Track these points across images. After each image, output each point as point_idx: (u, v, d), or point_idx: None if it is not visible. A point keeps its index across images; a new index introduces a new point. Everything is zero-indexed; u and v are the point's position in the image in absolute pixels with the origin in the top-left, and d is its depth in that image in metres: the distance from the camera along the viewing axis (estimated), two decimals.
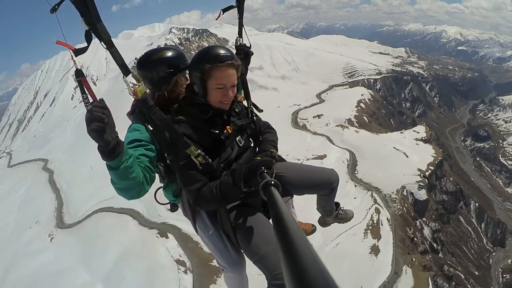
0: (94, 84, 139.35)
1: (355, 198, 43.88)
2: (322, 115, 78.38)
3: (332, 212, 3.67)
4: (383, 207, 41.99)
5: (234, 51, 2.95)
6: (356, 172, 51.14)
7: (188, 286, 33.66)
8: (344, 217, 3.83)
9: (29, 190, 61.90)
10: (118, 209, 43.63)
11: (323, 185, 3.04)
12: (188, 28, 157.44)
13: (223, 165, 2.58)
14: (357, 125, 73.50)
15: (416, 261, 36.54)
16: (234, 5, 3.10)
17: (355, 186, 47.05)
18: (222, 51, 2.43)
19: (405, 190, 45.43)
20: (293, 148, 58.17)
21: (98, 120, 1.84)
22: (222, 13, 3.18)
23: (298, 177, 2.97)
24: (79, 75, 1.85)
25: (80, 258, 37.98)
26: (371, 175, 48.68)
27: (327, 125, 73.08)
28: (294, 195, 3.39)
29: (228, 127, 2.62)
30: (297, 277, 0.66)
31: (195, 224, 2.82)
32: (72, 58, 1.88)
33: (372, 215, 40.32)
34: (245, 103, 3.08)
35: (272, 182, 1.74)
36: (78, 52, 1.92)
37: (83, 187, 52.37)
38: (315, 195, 3.34)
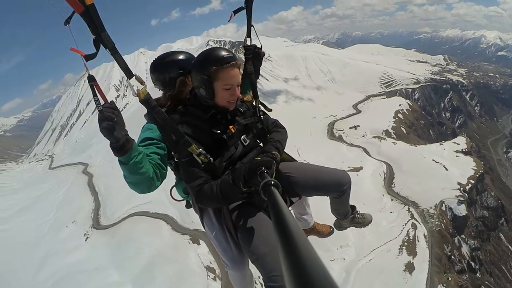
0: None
1: (391, 212, 42.73)
2: (358, 126, 77.30)
3: (347, 216, 3.57)
4: (420, 223, 40.43)
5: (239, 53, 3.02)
6: (393, 185, 49.74)
7: None
8: (361, 221, 3.72)
9: (68, 191, 64.90)
10: (152, 213, 44.68)
11: (332, 187, 3.00)
12: (225, 41, 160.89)
13: (226, 164, 2.63)
14: (395, 137, 71.75)
15: (452, 280, 34.74)
16: (243, 6, 3.14)
17: (392, 200, 45.74)
18: (225, 53, 2.52)
19: (443, 205, 43.46)
20: (328, 159, 57.86)
21: (108, 119, 2.05)
22: (233, 14, 3.19)
23: (306, 178, 2.95)
24: (91, 80, 2.09)
25: (112, 259, 39.32)
26: (408, 189, 47.14)
27: (363, 136, 71.90)
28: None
29: (231, 126, 2.68)
30: (297, 277, 0.65)
31: (202, 220, 2.92)
32: (85, 65, 2.05)
33: (408, 231, 38.91)
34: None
35: (272, 182, 1.74)
36: (89, 57, 2.06)
37: (120, 191, 53.85)
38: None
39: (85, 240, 45.58)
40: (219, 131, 2.61)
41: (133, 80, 2.26)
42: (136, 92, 2.30)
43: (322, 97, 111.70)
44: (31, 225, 56.68)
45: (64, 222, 51.37)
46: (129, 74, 2.26)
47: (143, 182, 2.37)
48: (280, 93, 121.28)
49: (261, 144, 2.99)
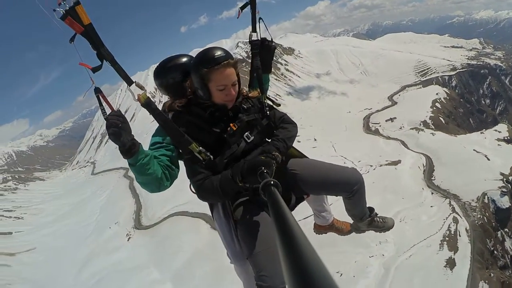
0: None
1: (431, 206, 41.37)
2: (395, 118, 75.90)
3: (363, 218, 3.46)
4: (461, 217, 38.87)
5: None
6: (433, 178, 48.22)
7: None
8: (381, 225, 3.60)
9: (111, 195, 67.91)
10: (192, 213, 45.49)
11: (340, 186, 2.94)
12: None
13: (227, 161, 2.66)
14: (433, 127, 69.78)
15: (494, 276, 33.16)
16: (248, 1, 3.19)
17: (432, 193, 44.20)
18: (216, 53, 2.53)
19: (486, 197, 41.61)
20: (365, 154, 57.57)
21: (114, 126, 2.22)
22: (240, 11, 3.25)
23: (313, 175, 2.94)
24: (97, 91, 2.27)
25: (153, 257, 40.96)
26: (449, 181, 45.52)
27: (400, 128, 70.41)
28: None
29: (232, 124, 2.70)
30: (297, 278, 0.65)
31: (212, 213, 3.03)
32: (91, 78, 2.21)
33: (449, 225, 37.47)
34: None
35: (272, 182, 1.74)
36: (95, 69, 2.24)
37: (161, 193, 55.93)
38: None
39: (127, 240, 47.71)
40: (218, 130, 2.68)
41: (133, 87, 2.43)
42: (137, 97, 2.44)
43: (355, 91, 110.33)
44: (75, 228, 60.15)
45: (107, 224, 53.99)
46: (128, 81, 2.45)
47: (151, 182, 2.54)
48: (313, 89, 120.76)
49: (269, 140, 2.96)
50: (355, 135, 71.88)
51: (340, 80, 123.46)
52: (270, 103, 3.10)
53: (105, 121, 2.25)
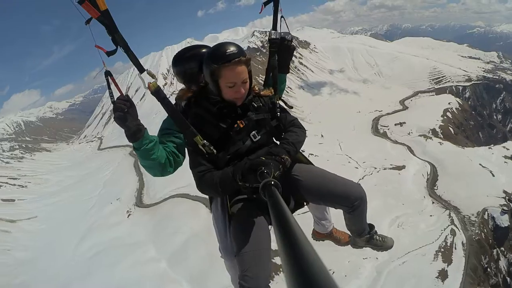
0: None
1: (431, 215, 41.31)
2: (404, 123, 74.85)
3: (361, 234, 3.39)
4: (459, 230, 38.63)
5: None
6: (435, 187, 47.98)
7: None
8: (379, 244, 3.53)
9: (115, 171, 68.94)
10: (193, 196, 45.43)
11: (340, 199, 2.87)
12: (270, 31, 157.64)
13: (230, 157, 2.68)
14: (442, 136, 68.94)
15: None
16: None
17: (433, 203, 44.07)
18: (228, 49, 2.49)
19: (486, 213, 41.17)
20: (370, 155, 57.28)
21: (120, 110, 2.27)
22: (263, 6, 3.15)
23: (313, 184, 2.88)
24: (108, 74, 2.32)
25: (151, 236, 41.50)
26: (451, 193, 45.24)
27: (409, 134, 69.59)
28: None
29: (239, 121, 2.69)
30: (297, 278, 0.65)
31: (211, 205, 3.09)
32: (103, 61, 2.27)
33: (446, 237, 37.33)
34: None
35: (272, 182, 1.76)
36: (110, 53, 2.32)
37: None
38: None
39: (127, 217, 48.35)
40: (224, 125, 2.68)
41: (144, 74, 2.47)
42: (147, 85, 2.46)
43: (368, 91, 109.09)
44: (77, 200, 61.19)
45: (109, 199, 54.69)
46: (140, 69, 2.48)
47: (154, 167, 2.60)
48: (325, 85, 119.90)
49: (277, 142, 2.95)
50: (363, 135, 71.56)
51: (353, 79, 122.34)
52: (283, 104, 3.05)
53: (112, 105, 2.31)
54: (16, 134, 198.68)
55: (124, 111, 2.29)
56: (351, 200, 2.82)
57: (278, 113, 2.92)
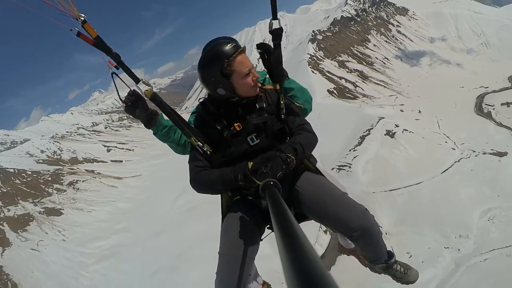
0: None
1: None
2: None
3: (375, 263, 2.99)
4: None
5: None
6: None
7: (323, 244, 35.88)
8: (399, 276, 3.08)
9: None
10: None
11: (338, 226, 2.59)
12: None
13: (225, 159, 2.70)
14: None
15: None
16: None
17: None
18: (229, 42, 2.49)
19: None
20: (470, 137, 53.79)
21: (126, 104, 2.78)
22: None
23: (313, 200, 2.68)
24: (113, 77, 2.61)
25: None
26: None
27: None
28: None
29: (236, 124, 2.61)
30: (297, 278, 0.66)
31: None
32: (108, 66, 2.56)
33: None
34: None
35: (272, 182, 1.78)
36: (117, 67, 2.59)
37: None
38: None
39: None
40: (219, 128, 2.65)
41: (140, 84, 2.64)
42: (144, 92, 2.63)
43: (473, 63, 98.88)
44: (179, 162, 66.90)
45: None
46: (136, 79, 2.63)
47: (174, 147, 3.10)
48: (424, 54, 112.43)
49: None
50: (464, 114, 66.32)
51: (457, 49, 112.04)
52: (291, 105, 2.86)
53: (122, 101, 2.79)
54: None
55: (128, 105, 2.78)
56: (350, 229, 2.50)
57: (283, 115, 2.75)
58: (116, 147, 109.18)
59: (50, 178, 77.68)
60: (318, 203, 2.63)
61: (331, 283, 0.62)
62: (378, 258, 2.91)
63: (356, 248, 3.01)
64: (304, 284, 0.62)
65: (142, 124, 2.94)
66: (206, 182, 2.63)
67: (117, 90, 2.70)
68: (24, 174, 77.30)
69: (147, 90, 2.61)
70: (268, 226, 2.93)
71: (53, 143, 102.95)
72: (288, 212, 1.17)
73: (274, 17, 2.68)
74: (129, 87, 2.77)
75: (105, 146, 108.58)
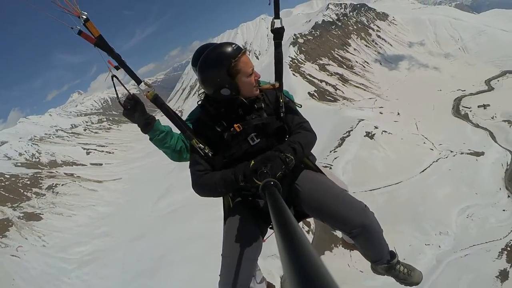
0: (257, 58, 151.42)
1: (504, 210, 38.76)
2: (488, 105, 69.57)
3: (377, 263, 2.94)
4: None
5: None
6: None
7: None
8: (402, 277, 3.03)
9: None
10: None
11: (338, 223, 2.57)
12: (346, 4, 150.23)
13: (226, 161, 2.66)
14: None
15: None
16: None
17: (508, 196, 41.09)
18: (231, 44, 2.51)
19: None
20: (448, 138, 55.34)
21: (126, 108, 2.74)
22: None
23: (313, 199, 2.67)
24: (113, 78, 2.63)
25: None
26: None
27: (492, 118, 64.47)
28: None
29: (235, 125, 2.58)
30: (297, 278, 0.66)
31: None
32: (109, 68, 2.57)
33: None
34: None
35: (272, 182, 1.78)
36: (116, 68, 2.60)
37: None
38: None
39: None
40: (219, 129, 2.62)
41: (142, 85, 2.65)
42: (145, 94, 2.64)
43: (450, 67, 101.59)
44: (159, 165, 67.17)
45: (188, 164, 60.09)
46: (137, 81, 2.65)
47: (169, 153, 3.03)
48: (403, 58, 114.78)
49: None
50: (442, 116, 68.37)
51: (435, 53, 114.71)
52: (291, 104, 2.87)
53: (121, 104, 2.75)
54: (104, 109, 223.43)
55: (128, 108, 2.75)
56: (349, 226, 2.49)
57: (282, 113, 2.75)
58: (95, 149, 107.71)
59: (29, 182, 75.68)
60: (317, 201, 2.63)
61: (331, 283, 0.62)
62: (380, 257, 2.87)
63: (357, 246, 2.93)
64: (305, 284, 0.62)
65: (139, 129, 2.91)
66: (208, 186, 2.60)
67: (116, 93, 2.73)
68: (2, 178, 75.38)
69: (148, 92, 2.62)
70: (271, 226, 2.89)
71: (32, 146, 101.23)
72: (288, 212, 1.17)
73: (276, 16, 2.70)
74: (128, 91, 2.75)
75: (84, 148, 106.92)
